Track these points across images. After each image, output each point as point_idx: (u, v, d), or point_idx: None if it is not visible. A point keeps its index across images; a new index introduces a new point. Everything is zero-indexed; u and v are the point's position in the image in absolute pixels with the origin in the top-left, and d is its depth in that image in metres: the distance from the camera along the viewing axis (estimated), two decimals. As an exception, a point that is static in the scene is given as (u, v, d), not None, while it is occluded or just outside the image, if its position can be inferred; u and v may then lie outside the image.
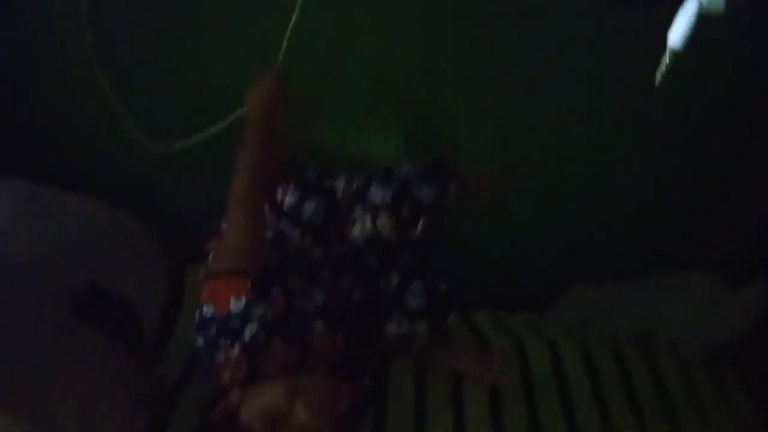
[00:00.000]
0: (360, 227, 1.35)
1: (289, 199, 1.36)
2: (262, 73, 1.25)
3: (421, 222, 1.37)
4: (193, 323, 1.11)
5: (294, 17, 1.34)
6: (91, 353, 1.14)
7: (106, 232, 1.40)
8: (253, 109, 1.21)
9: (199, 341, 1.11)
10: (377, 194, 1.37)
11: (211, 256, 1.26)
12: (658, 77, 0.99)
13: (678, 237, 1.76)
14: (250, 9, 1.44)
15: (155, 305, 1.37)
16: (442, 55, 1.52)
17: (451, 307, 1.37)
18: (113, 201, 1.49)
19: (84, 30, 1.41)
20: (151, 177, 1.59)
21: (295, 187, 1.37)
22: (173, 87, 1.51)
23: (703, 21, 0.94)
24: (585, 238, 1.74)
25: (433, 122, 1.63)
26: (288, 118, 1.25)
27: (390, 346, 1.31)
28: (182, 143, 1.47)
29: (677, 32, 0.95)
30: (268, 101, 1.21)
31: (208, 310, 1.08)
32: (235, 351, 1.08)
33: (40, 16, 1.46)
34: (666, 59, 0.97)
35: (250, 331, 1.07)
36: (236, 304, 1.07)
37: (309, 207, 1.35)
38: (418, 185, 1.38)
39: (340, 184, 1.40)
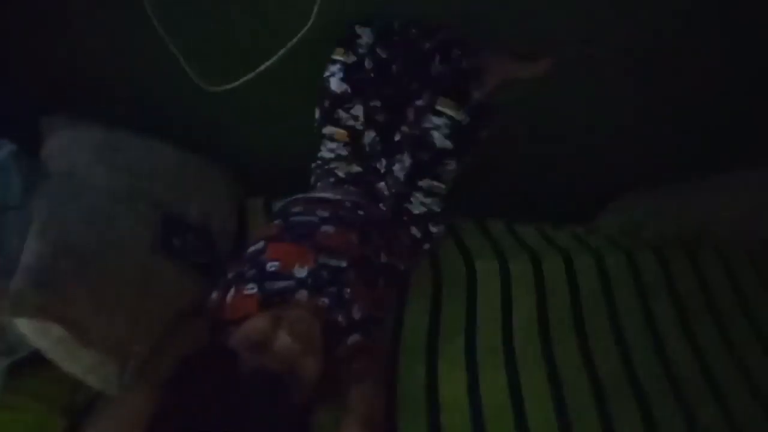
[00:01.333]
0: None
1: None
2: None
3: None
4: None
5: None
6: (170, 284, 1.26)
7: (175, 168, 1.49)
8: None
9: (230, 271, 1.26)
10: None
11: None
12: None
13: (723, 137, 1.75)
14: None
15: (226, 235, 1.48)
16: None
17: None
18: (173, 141, 1.56)
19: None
20: (206, 116, 1.68)
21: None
22: (223, 30, 1.57)
23: None
24: (629, 145, 1.75)
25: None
26: None
27: None
28: (234, 83, 1.55)
29: None
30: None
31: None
32: (250, 290, 1.21)
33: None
34: None
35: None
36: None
37: None
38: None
39: None
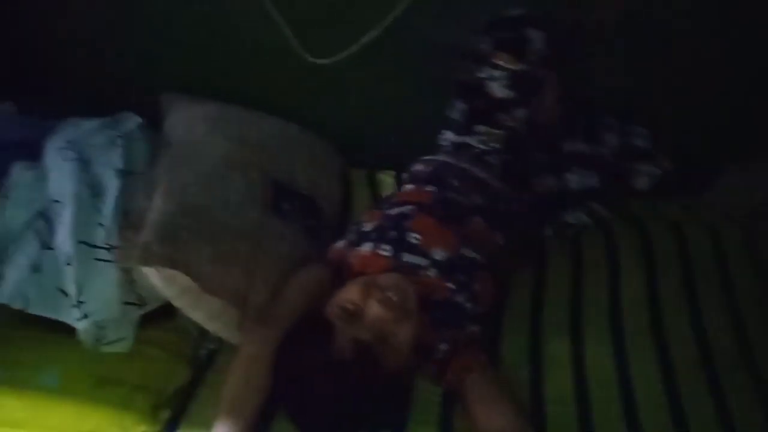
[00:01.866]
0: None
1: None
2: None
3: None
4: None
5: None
6: (282, 242, 1.32)
7: (283, 139, 1.56)
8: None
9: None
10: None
11: None
12: None
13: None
14: None
15: (331, 203, 1.53)
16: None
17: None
18: (278, 112, 1.64)
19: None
20: (310, 88, 1.72)
21: None
22: (328, 2, 1.60)
23: None
24: (734, 116, 1.66)
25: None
26: None
27: None
28: (340, 55, 1.58)
29: None
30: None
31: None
32: (385, 252, 1.22)
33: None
34: None
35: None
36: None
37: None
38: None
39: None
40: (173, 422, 1.18)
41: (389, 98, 1.70)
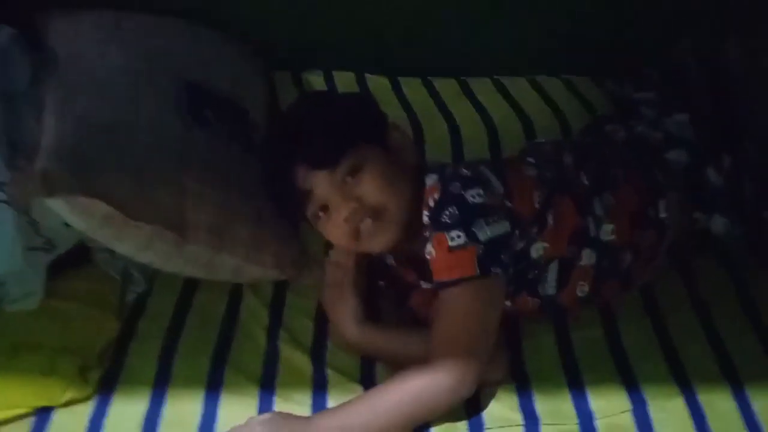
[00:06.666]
0: None
1: None
2: None
3: None
4: None
5: None
6: (212, 153, 1.16)
7: (192, 39, 1.39)
8: None
9: None
10: None
11: None
12: None
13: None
14: None
15: (257, 106, 1.36)
16: None
17: None
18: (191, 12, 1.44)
19: None
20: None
21: None
22: None
23: None
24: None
25: None
26: None
27: None
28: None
29: None
30: None
31: None
32: None
33: None
34: None
35: None
36: None
37: None
38: None
39: None
40: (108, 382, 1.01)
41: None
